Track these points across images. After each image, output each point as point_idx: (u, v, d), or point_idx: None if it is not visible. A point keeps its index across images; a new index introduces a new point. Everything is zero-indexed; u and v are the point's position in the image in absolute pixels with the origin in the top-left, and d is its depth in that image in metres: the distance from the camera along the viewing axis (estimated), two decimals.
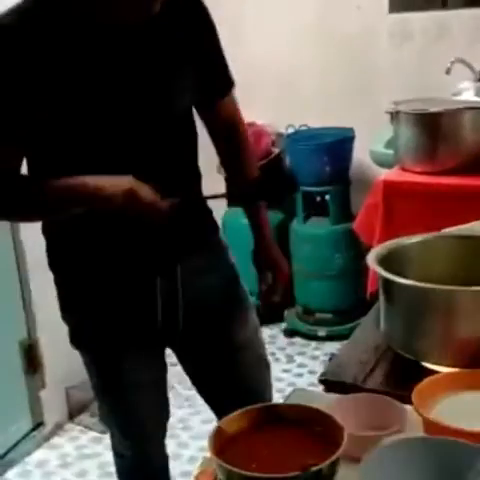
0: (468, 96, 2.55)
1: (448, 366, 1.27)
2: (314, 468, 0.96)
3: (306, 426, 1.08)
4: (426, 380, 1.18)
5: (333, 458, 0.98)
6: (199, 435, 2.66)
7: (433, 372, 1.26)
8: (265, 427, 1.09)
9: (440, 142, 2.19)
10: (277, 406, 1.12)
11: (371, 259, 1.39)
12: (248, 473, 0.97)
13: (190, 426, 2.80)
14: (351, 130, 3.34)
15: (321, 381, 1.37)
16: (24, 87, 1.28)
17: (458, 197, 2.11)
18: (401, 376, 1.35)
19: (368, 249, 1.99)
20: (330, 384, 1.36)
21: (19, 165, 1.41)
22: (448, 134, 2.19)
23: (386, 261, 1.40)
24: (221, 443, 1.04)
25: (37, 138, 1.36)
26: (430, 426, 1.09)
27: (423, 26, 3.26)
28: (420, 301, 1.29)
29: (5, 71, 1.27)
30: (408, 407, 1.14)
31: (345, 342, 1.58)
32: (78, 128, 1.35)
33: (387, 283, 1.34)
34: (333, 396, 1.29)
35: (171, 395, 2.92)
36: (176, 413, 2.88)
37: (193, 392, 2.97)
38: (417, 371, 1.30)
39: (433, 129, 2.19)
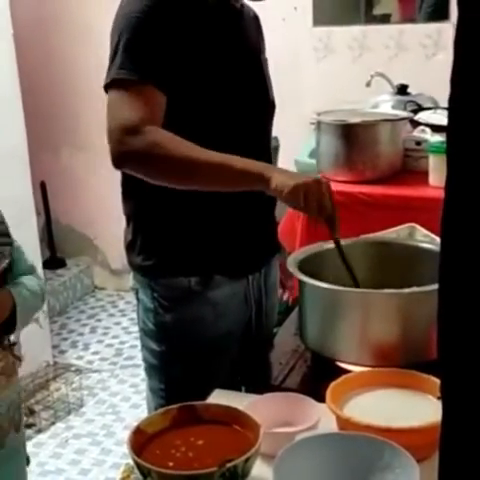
0: (386, 108, 2.64)
1: (362, 365, 1.32)
2: (229, 464, 0.99)
3: (224, 425, 1.11)
4: (340, 379, 1.22)
5: (248, 454, 1.01)
6: (122, 441, 2.65)
7: (348, 371, 1.31)
8: (184, 427, 1.11)
9: (359, 152, 2.26)
10: (196, 406, 1.14)
11: (291, 263, 1.43)
12: (165, 471, 0.99)
13: (113, 433, 2.78)
14: (276, 139, 3.39)
15: (241, 382, 1.40)
16: (170, 39, 1.42)
17: (377, 206, 2.19)
18: (318, 376, 1.40)
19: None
20: (250, 385, 1.40)
21: (162, 114, 1.42)
22: (366, 145, 2.27)
23: (305, 265, 1.44)
24: (140, 443, 1.06)
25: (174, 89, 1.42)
26: (342, 422, 1.13)
27: (346, 40, 3.37)
28: (335, 303, 1.34)
29: (160, 21, 1.42)
30: (323, 405, 1.18)
31: None
32: (200, 89, 1.45)
33: (304, 286, 1.38)
34: (252, 396, 1.32)
35: (93, 402, 2.97)
36: (99, 420, 2.87)
37: (116, 399, 3.00)
38: (333, 371, 1.35)
39: (352, 139, 2.27)
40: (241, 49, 1.57)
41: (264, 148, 1.62)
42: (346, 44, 3.36)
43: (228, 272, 1.57)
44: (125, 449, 2.32)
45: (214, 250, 1.55)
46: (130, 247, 1.61)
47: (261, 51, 1.66)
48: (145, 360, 1.66)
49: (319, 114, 2.37)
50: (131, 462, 2.11)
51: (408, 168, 2.34)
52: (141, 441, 1.07)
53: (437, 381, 1.21)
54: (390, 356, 1.32)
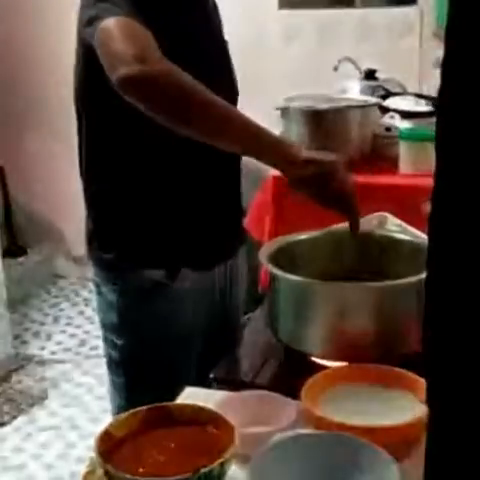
0: (354, 94, 2.60)
1: (336, 360, 1.29)
2: (204, 469, 0.94)
3: (197, 426, 1.06)
4: (315, 376, 1.19)
5: (223, 458, 0.96)
6: (87, 434, 2.59)
7: (322, 366, 1.28)
8: (155, 429, 1.07)
9: (327, 139, 2.22)
10: (167, 407, 1.09)
11: (262, 255, 1.39)
12: (134, 478, 0.94)
13: (78, 425, 2.72)
14: None
15: (212, 379, 1.36)
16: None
17: None
18: (291, 371, 1.36)
19: (259, 246, 1.99)
20: (221, 382, 1.35)
21: None
22: (335, 131, 2.23)
23: (276, 257, 1.40)
24: (108, 447, 1.01)
25: None
26: (319, 422, 1.10)
27: (313, 24, 3.31)
28: (308, 297, 1.30)
29: None
30: (298, 402, 1.14)
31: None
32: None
33: (276, 279, 1.34)
34: (224, 394, 1.28)
35: (57, 394, 2.90)
36: (63, 412, 2.81)
37: (81, 390, 2.94)
38: (306, 365, 1.31)
39: (320, 126, 2.22)
40: (208, 34, 1.52)
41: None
42: (313, 28, 3.31)
43: (194, 264, 1.52)
44: (90, 442, 2.28)
45: (179, 241, 1.50)
46: (90, 238, 1.55)
47: (223, 35, 1.61)
48: (107, 355, 1.60)
49: (286, 100, 2.32)
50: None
51: (378, 155, 2.31)
52: (110, 445, 1.02)
53: (414, 376, 1.19)
54: (365, 351, 1.28)
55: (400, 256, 1.46)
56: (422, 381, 1.17)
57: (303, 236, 1.52)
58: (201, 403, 1.22)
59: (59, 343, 3.36)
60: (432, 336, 0.71)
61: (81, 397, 2.91)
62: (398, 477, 0.96)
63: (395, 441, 1.05)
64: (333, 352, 1.30)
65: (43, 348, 3.32)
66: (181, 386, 1.53)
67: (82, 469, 2.24)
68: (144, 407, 1.08)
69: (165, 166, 1.46)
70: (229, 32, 3.09)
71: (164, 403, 1.10)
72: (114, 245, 1.51)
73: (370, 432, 1.04)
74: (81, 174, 1.54)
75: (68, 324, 3.56)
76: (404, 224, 1.80)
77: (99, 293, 1.58)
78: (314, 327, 1.31)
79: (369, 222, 1.83)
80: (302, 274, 1.34)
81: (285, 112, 2.30)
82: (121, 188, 1.48)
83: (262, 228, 2.24)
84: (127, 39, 1.24)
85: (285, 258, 1.42)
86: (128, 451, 1.02)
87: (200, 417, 1.07)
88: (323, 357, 1.31)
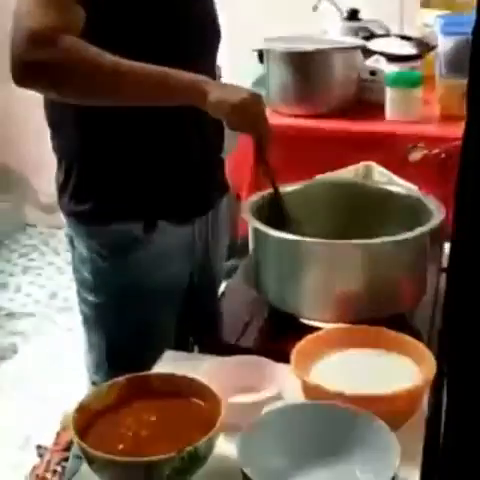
0: (337, 36, 2.48)
1: (326, 322, 1.22)
2: (188, 448, 0.87)
3: (180, 397, 0.99)
4: (304, 339, 1.11)
5: (209, 435, 0.89)
6: (58, 389, 2.51)
7: (310, 327, 1.20)
8: (135, 401, 0.99)
9: (311, 83, 2.11)
10: (148, 377, 1.01)
11: (245, 209, 1.30)
12: (112, 457, 0.86)
13: (49, 380, 2.64)
14: (217, 67, 3.20)
15: (193, 342, 1.28)
16: None
17: (329, 141, 2.05)
18: (277, 332, 1.29)
19: (238, 197, 1.89)
20: (203, 345, 1.28)
21: (79, 24, 1.21)
22: (319, 75, 2.11)
23: (260, 211, 1.31)
24: (84, 422, 0.93)
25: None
26: (309, 390, 1.03)
27: None
28: (296, 255, 1.22)
29: None
30: (286, 366, 1.07)
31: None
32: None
33: (261, 235, 1.25)
34: (208, 359, 1.21)
35: (28, 348, 2.80)
36: (34, 367, 2.72)
37: (52, 344, 2.84)
38: (293, 326, 1.25)
39: (303, 69, 2.11)
40: None
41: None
42: None
43: (173, 216, 1.43)
44: (61, 397, 2.20)
45: (157, 192, 1.40)
46: (62, 190, 1.44)
47: None
48: (82, 312, 1.51)
49: (266, 41, 2.19)
50: (69, 411, 1.99)
51: (363, 100, 2.21)
52: (86, 420, 0.94)
53: (410, 339, 1.12)
54: (356, 311, 1.22)
55: (391, 210, 1.38)
56: (418, 343, 1.11)
57: (290, 188, 1.43)
58: (182, 369, 1.15)
59: (29, 295, 3.26)
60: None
61: (52, 351, 2.83)
62: (398, 450, 0.89)
63: (393, 410, 1.00)
64: (321, 313, 1.23)
65: (12, 300, 3.22)
66: (161, 347, 1.46)
67: (53, 425, 2.18)
68: (122, 377, 1.00)
69: (142, 112, 1.35)
70: None
71: (144, 373, 1.02)
72: (88, 196, 1.40)
73: (367, 401, 0.98)
74: (49, 122, 1.42)
75: (38, 275, 3.45)
76: (391, 174, 1.73)
77: (73, 247, 1.48)
78: (301, 287, 1.23)
79: (355, 172, 1.75)
80: (288, 229, 1.26)
81: (264, 54, 2.18)
82: (93, 137, 1.36)
83: (241, 179, 2.14)
84: (36, 16, 1.16)
85: (270, 212, 1.34)
86: (106, 426, 0.94)
87: (183, 387, 0.99)
88: (311, 318, 1.24)
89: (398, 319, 1.24)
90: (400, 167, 1.89)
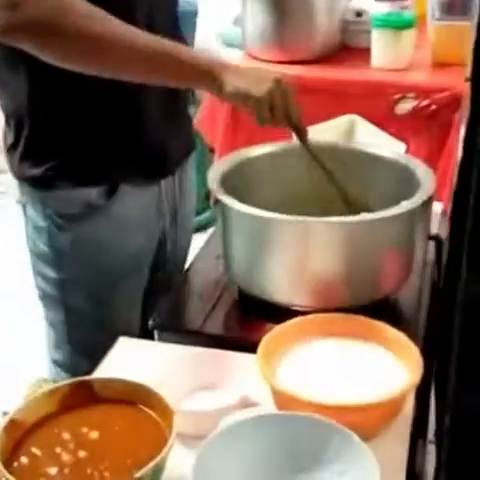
0: None
1: (298, 306, 1.09)
2: (137, 475, 0.75)
3: (128, 407, 0.86)
4: (273, 331, 0.98)
5: (158, 459, 0.77)
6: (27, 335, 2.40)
7: (280, 311, 1.08)
8: (76, 410, 0.86)
9: (290, 26, 1.93)
10: (91, 382, 0.88)
11: (212, 178, 1.15)
12: None
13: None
14: (193, 4, 2.99)
15: (153, 325, 1.15)
16: None
17: (311, 90, 1.87)
18: (246, 317, 1.16)
19: (212, 151, 1.74)
20: (163, 329, 1.14)
21: None
22: (299, 17, 1.93)
23: (230, 178, 1.17)
24: (14, 441, 0.81)
25: None
26: (279, 396, 0.90)
27: None
28: (267, 233, 1.08)
29: None
30: (254, 357, 0.94)
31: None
32: None
33: (226, 209, 1.10)
34: (165, 347, 1.08)
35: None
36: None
37: None
38: (264, 311, 1.12)
39: (282, 10, 1.92)
40: None
41: (175, 34, 1.27)
42: None
43: (136, 179, 1.28)
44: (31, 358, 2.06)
45: (115, 152, 1.25)
46: (12, 152, 1.29)
47: None
48: (39, 288, 1.38)
49: None
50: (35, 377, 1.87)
51: (347, 45, 2.03)
52: (15, 438, 0.81)
53: (391, 329, 1.00)
54: (333, 296, 1.09)
55: (375, 177, 1.23)
56: (400, 335, 0.99)
57: (262, 150, 1.28)
58: (137, 359, 1.03)
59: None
60: None
61: (23, 307, 2.71)
62: (376, 467, 0.78)
63: (369, 420, 0.88)
64: (294, 298, 1.10)
65: None
66: (126, 324, 1.35)
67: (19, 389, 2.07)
68: (60, 384, 0.87)
69: None
70: None
71: (86, 378, 0.89)
72: (40, 159, 1.25)
73: (341, 410, 0.85)
74: None
75: None
76: (375, 128, 1.58)
77: (26, 216, 1.34)
78: (271, 269, 1.09)
79: (338, 126, 1.60)
80: (261, 200, 1.11)
81: None
82: (46, 91, 1.20)
83: (215, 129, 1.97)
84: None
85: (240, 179, 1.19)
86: (39, 444, 0.81)
87: (131, 394, 0.86)
88: (282, 303, 1.10)
89: (380, 303, 1.12)
90: (386, 120, 1.74)
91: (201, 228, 2.74)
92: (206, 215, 2.96)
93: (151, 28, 1.14)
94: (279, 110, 1.11)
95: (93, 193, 1.25)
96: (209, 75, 1.09)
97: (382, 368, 0.96)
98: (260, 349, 0.94)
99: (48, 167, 1.24)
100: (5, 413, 2.21)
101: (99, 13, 1.05)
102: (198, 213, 2.81)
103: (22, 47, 1.07)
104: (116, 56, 1.07)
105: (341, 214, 1.08)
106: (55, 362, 1.42)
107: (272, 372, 0.92)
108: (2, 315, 2.67)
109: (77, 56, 1.07)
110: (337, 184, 1.20)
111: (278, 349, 0.97)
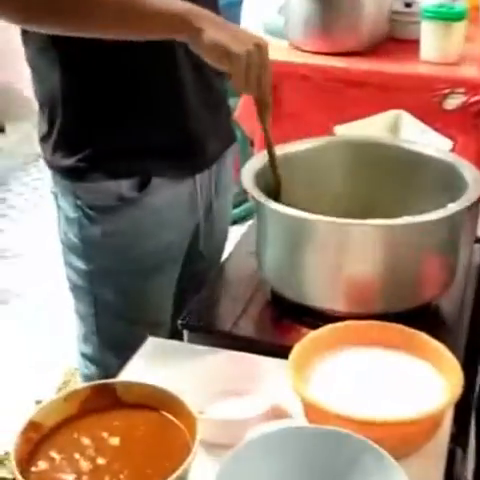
0: None
1: (334, 312, 1.04)
2: None
3: (151, 412, 0.83)
4: (305, 338, 0.94)
5: (180, 471, 0.73)
6: (55, 340, 2.40)
7: (314, 315, 1.03)
8: (97, 414, 0.83)
9: (335, 16, 1.87)
10: (114, 385, 0.85)
11: (245, 175, 1.10)
12: None
13: (55, 323, 2.53)
14: None
15: (182, 325, 1.11)
16: None
17: (356, 83, 1.82)
18: (279, 320, 1.12)
19: (252, 144, 1.69)
20: (193, 329, 1.11)
21: None
22: (345, 6, 1.87)
23: (264, 176, 1.12)
24: (32, 445, 0.78)
25: None
26: (309, 408, 0.86)
27: None
28: (300, 234, 1.03)
29: None
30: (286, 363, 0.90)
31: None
32: None
33: (262, 208, 1.06)
34: (195, 348, 1.05)
35: (34, 289, 2.66)
36: (39, 308, 2.61)
37: (55, 292, 2.70)
38: (297, 314, 1.07)
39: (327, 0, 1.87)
40: None
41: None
42: None
43: (169, 172, 1.24)
44: (66, 347, 2.05)
45: (149, 144, 1.21)
46: (45, 141, 1.26)
47: None
48: (69, 280, 1.36)
49: None
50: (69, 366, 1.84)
51: (395, 37, 1.97)
52: (34, 441, 0.78)
53: (428, 339, 0.94)
54: (369, 301, 1.04)
55: (420, 177, 1.17)
56: (439, 346, 0.93)
57: (300, 146, 1.23)
58: (165, 361, 1.00)
59: (39, 232, 3.12)
60: None
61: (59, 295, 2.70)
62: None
63: (405, 437, 0.83)
64: (332, 303, 1.05)
65: (21, 239, 3.09)
66: (156, 320, 1.32)
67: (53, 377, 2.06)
68: (81, 387, 0.84)
69: (128, 52, 1.15)
70: None
71: (106, 381, 0.86)
72: (73, 149, 1.22)
73: (374, 427, 0.81)
74: (29, 64, 1.24)
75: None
76: (422, 124, 1.52)
77: (58, 207, 1.31)
78: (306, 271, 1.05)
79: (383, 121, 1.54)
80: (297, 198, 1.07)
81: None
82: (79, 79, 1.18)
83: (255, 122, 1.92)
84: None
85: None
86: (58, 448, 0.79)
87: (153, 399, 0.83)
88: (319, 309, 1.06)
89: (420, 309, 1.06)
90: (434, 115, 1.68)
91: (240, 220, 2.71)
92: (245, 207, 2.92)
93: None
94: (253, 75, 1.03)
95: (125, 185, 1.22)
96: (185, 23, 1.01)
97: (420, 381, 0.91)
98: (291, 358, 0.90)
99: (80, 158, 1.22)
100: (38, 402, 2.22)
101: None
102: (237, 205, 2.78)
103: (42, 30, 1.05)
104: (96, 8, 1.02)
105: (382, 214, 1.03)
106: (84, 355, 1.40)
107: (303, 382, 0.88)
108: (40, 302, 2.68)
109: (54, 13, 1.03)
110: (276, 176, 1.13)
111: (310, 357, 0.93)
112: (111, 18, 1.04)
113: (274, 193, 1.10)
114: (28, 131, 3.75)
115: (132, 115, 1.20)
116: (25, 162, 3.71)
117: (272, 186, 1.12)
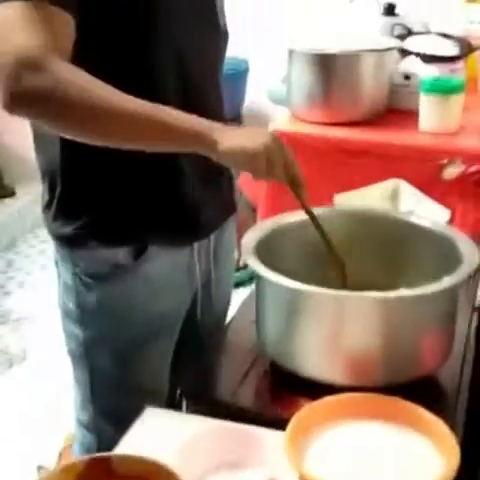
0: (370, 31, 2.28)
1: (332, 384, 1.04)
2: None
3: None
4: (303, 410, 0.94)
5: None
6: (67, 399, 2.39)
7: (313, 388, 1.04)
8: None
9: (336, 88, 1.92)
10: (109, 459, 0.85)
11: (246, 245, 1.13)
12: None
13: (58, 389, 2.51)
14: (245, 62, 3.04)
15: (181, 394, 1.12)
16: None
17: (356, 153, 1.86)
18: (276, 389, 1.12)
19: (254, 210, 1.72)
20: (191, 399, 1.11)
21: (70, 53, 1.05)
22: (345, 79, 1.92)
23: (265, 245, 1.14)
24: None
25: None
26: None
27: None
28: (301, 305, 1.05)
29: None
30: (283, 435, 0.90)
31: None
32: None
33: (260, 278, 1.08)
34: (194, 419, 1.05)
35: (38, 353, 2.68)
36: (42, 375, 2.60)
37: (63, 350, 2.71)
38: (295, 386, 1.08)
39: (329, 72, 1.92)
40: None
41: (211, 88, 1.29)
42: None
43: (166, 241, 1.26)
44: (68, 411, 2.04)
45: (146, 214, 1.23)
46: (47, 209, 1.29)
47: None
48: (67, 345, 1.37)
49: (291, 40, 2.00)
50: (71, 431, 1.84)
51: (394, 108, 2.01)
52: None
53: (425, 413, 0.95)
54: (367, 374, 1.04)
55: (417, 249, 1.19)
56: (437, 421, 0.93)
57: (300, 217, 1.25)
58: (164, 431, 1.01)
59: (44, 295, 3.14)
60: None
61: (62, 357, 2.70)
62: None
63: None
64: (330, 375, 1.06)
65: (27, 300, 3.10)
66: (153, 389, 1.31)
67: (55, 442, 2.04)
68: (77, 459, 0.85)
69: None
70: None
71: (102, 454, 0.86)
72: (71, 217, 1.25)
73: None
74: (33, 134, 1.27)
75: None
76: (420, 194, 1.55)
77: (58, 274, 1.33)
78: (305, 342, 1.06)
79: (382, 191, 1.57)
80: (295, 268, 1.09)
81: (290, 55, 1.99)
82: (78, 152, 1.20)
83: (258, 189, 1.96)
84: (21, 35, 1.00)
85: (276, 246, 1.17)
86: None
87: (147, 472, 0.83)
88: (317, 380, 1.06)
89: (418, 381, 1.06)
90: (433, 184, 1.71)
91: (245, 282, 2.70)
92: (250, 270, 2.92)
93: (183, 77, 1.16)
94: (276, 164, 1.06)
95: (121, 253, 1.24)
96: (201, 136, 1.05)
97: (417, 457, 0.90)
98: (287, 431, 0.90)
99: (77, 226, 1.24)
100: (39, 467, 2.18)
101: (96, 82, 1.03)
102: (242, 268, 2.79)
103: (27, 118, 1.08)
104: (111, 125, 1.05)
105: (378, 285, 1.04)
106: (80, 423, 1.40)
107: (300, 456, 0.88)
108: (44, 366, 2.68)
109: (78, 125, 1.05)
110: (336, 255, 1.15)
111: (307, 430, 0.92)
112: (129, 136, 1.07)
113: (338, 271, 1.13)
114: (39, 193, 3.81)
115: (128, 186, 1.22)
116: (34, 224, 3.75)
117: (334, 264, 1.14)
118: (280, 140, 1.08)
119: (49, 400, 2.47)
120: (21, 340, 2.78)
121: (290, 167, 1.09)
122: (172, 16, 1.16)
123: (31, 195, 3.78)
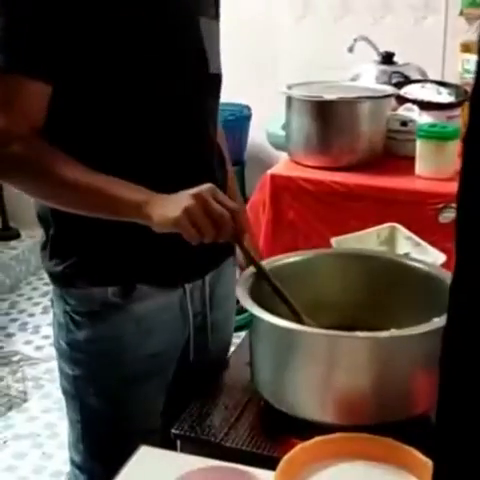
0: (368, 79, 2.33)
1: (324, 424, 1.05)
2: None
3: None
4: (293, 451, 0.94)
5: None
6: (66, 444, 2.38)
7: (306, 429, 1.04)
8: None
9: (334, 134, 1.96)
10: None
11: (241, 285, 1.14)
12: None
13: (57, 433, 2.51)
14: (248, 108, 3.10)
15: (175, 435, 1.12)
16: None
17: (353, 197, 1.89)
18: (269, 429, 1.12)
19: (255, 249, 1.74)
20: (184, 440, 1.12)
21: (42, 119, 1.15)
22: (343, 125, 1.96)
23: (261, 286, 1.16)
24: None
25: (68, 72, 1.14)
26: None
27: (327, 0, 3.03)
28: (293, 345, 1.06)
29: None
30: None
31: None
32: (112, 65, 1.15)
33: (254, 318, 1.09)
34: (187, 459, 1.05)
35: (39, 396, 2.68)
36: (43, 418, 2.60)
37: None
38: (288, 426, 1.08)
39: (326, 119, 1.96)
40: (166, 8, 1.20)
41: (204, 136, 1.29)
42: (327, 3, 3.02)
43: (155, 281, 1.26)
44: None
45: (135, 254, 1.24)
46: (43, 249, 1.31)
47: (201, 11, 1.27)
48: (61, 385, 1.37)
49: (290, 87, 2.05)
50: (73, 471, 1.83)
51: (391, 153, 2.04)
52: None
53: (416, 454, 0.95)
54: (359, 413, 1.04)
55: (410, 290, 1.21)
56: (426, 461, 0.93)
57: (294, 258, 1.27)
58: (156, 471, 1.01)
59: (46, 337, 3.14)
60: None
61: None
62: None
63: None
64: (322, 415, 1.06)
65: (29, 342, 3.11)
66: (145, 431, 1.30)
67: None
68: None
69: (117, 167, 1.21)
70: (239, 7, 2.81)
71: None
72: (63, 257, 1.27)
73: None
74: None
75: None
76: (416, 238, 1.56)
77: (53, 313, 1.35)
78: (295, 382, 1.07)
79: (379, 234, 1.59)
80: (292, 309, 1.10)
81: (289, 102, 2.04)
82: None
83: (257, 231, 1.99)
84: None
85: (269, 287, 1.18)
86: None
87: None
88: (309, 420, 1.07)
89: (411, 420, 1.07)
90: (430, 228, 1.73)
91: (248, 326, 2.69)
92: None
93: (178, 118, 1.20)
94: (201, 224, 1.08)
95: (109, 292, 1.24)
96: (137, 212, 1.11)
97: None
98: (277, 472, 0.90)
99: (67, 265, 1.26)
100: None
101: (67, 158, 1.14)
102: (244, 311, 2.80)
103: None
104: (68, 197, 1.17)
105: (371, 325, 1.06)
106: (73, 463, 1.39)
107: None
108: (44, 408, 2.67)
109: (45, 193, 1.19)
110: (291, 306, 1.16)
111: (297, 471, 0.93)
112: (73, 204, 1.18)
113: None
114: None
115: (116, 227, 1.21)
116: (38, 266, 3.78)
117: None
118: (207, 195, 1.09)
119: (51, 440, 2.47)
120: (23, 382, 2.78)
121: (222, 220, 1.09)
122: (155, 67, 1.19)
123: (35, 237, 3.82)
